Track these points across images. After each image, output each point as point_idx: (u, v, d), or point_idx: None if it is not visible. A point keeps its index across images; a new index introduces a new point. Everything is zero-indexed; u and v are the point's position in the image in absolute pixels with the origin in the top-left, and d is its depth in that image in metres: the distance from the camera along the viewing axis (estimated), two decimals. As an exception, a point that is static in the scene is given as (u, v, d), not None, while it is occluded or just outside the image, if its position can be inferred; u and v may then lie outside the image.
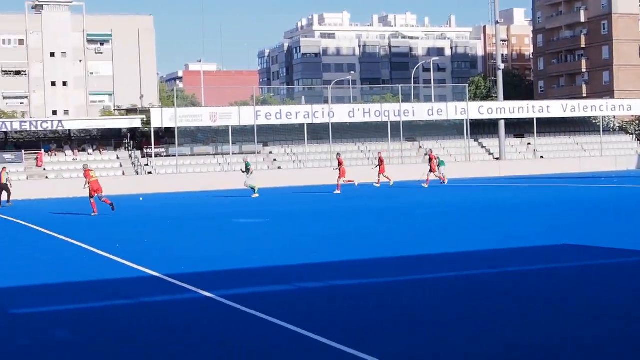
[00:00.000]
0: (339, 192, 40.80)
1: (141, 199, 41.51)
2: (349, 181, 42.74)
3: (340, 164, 42.54)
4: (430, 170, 43.68)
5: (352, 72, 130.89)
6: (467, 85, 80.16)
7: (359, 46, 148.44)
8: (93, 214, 28.77)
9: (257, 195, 38.48)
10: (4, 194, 39.27)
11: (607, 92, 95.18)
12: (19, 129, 57.93)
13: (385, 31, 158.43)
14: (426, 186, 42.51)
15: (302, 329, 9.19)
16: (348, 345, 8.36)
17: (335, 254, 16.30)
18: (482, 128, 68.66)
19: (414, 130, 66.71)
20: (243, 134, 61.67)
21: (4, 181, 39.18)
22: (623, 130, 74.77)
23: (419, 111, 64.06)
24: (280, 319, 9.79)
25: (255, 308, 10.50)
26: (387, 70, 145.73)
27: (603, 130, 68.94)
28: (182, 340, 9.02)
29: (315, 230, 21.86)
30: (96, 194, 28.75)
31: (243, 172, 39.69)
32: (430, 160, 44.17)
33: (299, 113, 60.84)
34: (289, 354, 8.36)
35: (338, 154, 45.53)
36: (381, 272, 13.61)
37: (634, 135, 73.52)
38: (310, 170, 57.70)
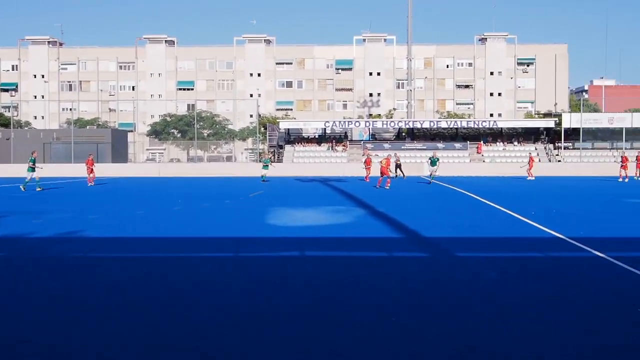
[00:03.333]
0: None
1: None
2: None
3: None
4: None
5: None
6: None
7: None
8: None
9: (265, 181, 37.30)
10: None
11: None
12: (465, 126, 59.00)
13: None
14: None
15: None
16: None
17: None
18: None
19: None
20: (634, 133, 56.76)
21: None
22: None
23: None
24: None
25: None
26: None
27: None
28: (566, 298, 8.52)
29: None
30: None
31: (264, 164, 38.46)
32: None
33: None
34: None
35: None
36: None
37: None
38: None
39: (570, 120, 55.46)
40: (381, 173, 29.54)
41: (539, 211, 18.81)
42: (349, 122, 59.62)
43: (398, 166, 43.65)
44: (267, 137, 61.07)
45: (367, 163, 38.81)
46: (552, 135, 59.52)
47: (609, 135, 58.65)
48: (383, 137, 62.12)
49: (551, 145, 58.07)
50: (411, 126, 59.39)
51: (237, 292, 8.26)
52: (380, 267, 10.02)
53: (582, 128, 55.50)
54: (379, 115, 78.75)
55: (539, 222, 15.62)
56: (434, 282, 8.90)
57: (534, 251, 11.68)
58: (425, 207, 20.43)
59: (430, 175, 35.91)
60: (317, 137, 62.93)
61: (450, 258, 10.97)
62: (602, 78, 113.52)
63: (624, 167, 39.13)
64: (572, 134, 58.05)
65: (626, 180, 38.47)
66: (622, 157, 40.16)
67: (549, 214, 18.09)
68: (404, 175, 43.47)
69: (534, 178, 41.19)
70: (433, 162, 35.41)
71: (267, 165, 39.04)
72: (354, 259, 10.75)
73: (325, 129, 62.16)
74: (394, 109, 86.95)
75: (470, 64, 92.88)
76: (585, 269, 9.95)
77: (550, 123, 57.59)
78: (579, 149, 55.94)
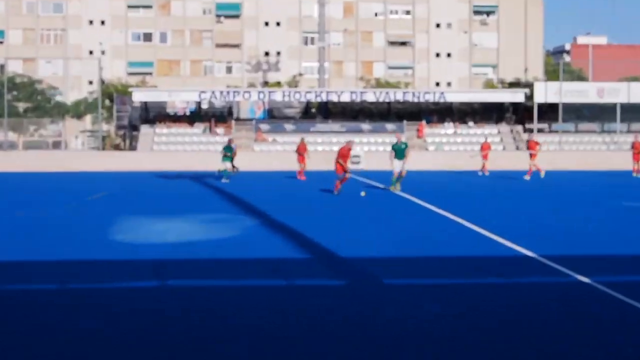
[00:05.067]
0: None
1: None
2: None
3: None
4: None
5: None
6: None
7: None
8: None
9: (227, 180, 36.12)
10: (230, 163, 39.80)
11: None
12: (401, 100, 59.87)
13: None
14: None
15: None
16: None
17: None
18: None
19: None
20: (632, 111, 59.11)
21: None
22: None
23: None
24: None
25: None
26: None
27: None
28: (547, 325, 8.76)
29: None
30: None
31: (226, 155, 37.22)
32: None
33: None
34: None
35: None
36: None
37: None
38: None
39: (545, 92, 57.23)
40: (340, 166, 27.59)
41: (501, 220, 19.23)
42: (235, 92, 59.50)
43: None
44: (115, 114, 60.08)
45: (301, 151, 38.36)
46: (521, 113, 61.21)
47: (598, 114, 60.90)
48: (284, 115, 62.33)
49: (520, 127, 59.71)
50: (324, 99, 59.87)
51: (50, 348, 8.03)
52: (273, 301, 9.98)
53: (562, 103, 57.36)
54: (279, 83, 78.92)
55: (502, 236, 15.97)
56: (351, 322, 8.92)
57: (493, 276, 11.90)
58: (343, 215, 20.56)
59: (398, 177, 29.06)
60: (188, 114, 62.35)
61: (377, 287, 11.03)
62: (589, 34, 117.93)
63: (636, 156, 40.50)
64: (549, 112, 59.83)
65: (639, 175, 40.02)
66: (634, 142, 41.35)
67: (517, 224, 18.52)
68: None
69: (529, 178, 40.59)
70: (399, 151, 29.26)
71: (231, 156, 37.13)
72: (234, 291, 10.69)
73: (200, 102, 61.72)
74: (300, 75, 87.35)
75: (407, 12, 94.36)
76: (564, 300, 10.20)
77: (518, 96, 59.22)
78: (557, 132, 57.82)
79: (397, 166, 29.05)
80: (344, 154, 27.24)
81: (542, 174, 37.27)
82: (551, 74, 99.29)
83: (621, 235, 16.52)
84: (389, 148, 31.76)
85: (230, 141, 37.77)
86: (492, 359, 7.54)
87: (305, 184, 34.53)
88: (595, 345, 8.02)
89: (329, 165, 43.00)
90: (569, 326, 8.77)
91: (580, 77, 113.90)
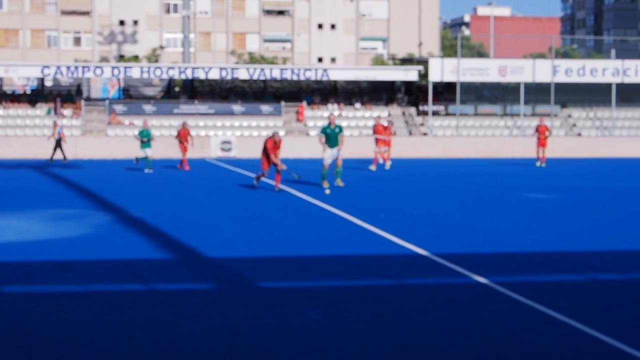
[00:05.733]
0: None
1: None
2: None
3: None
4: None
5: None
6: None
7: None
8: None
9: (150, 170, 35.74)
10: (59, 150, 43.53)
11: None
12: (279, 78, 59.85)
13: None
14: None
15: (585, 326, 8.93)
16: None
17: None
18: None
19: None
20: (537, 92, 60.62)
21: (56, 137, 43.19)
22: None
23: None
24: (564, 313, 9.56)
25: (539, 300, 10.31)
26: None
27: None
28: (445, 326, 8.99)
29: (619, 211, 21.16)
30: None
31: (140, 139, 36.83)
32: None
33: (607, 70, 59.02)
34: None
35: None
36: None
37: None
38: (617, 140, 56.07)
39: (441, 70, 58.01)
40: (266, 159, 25.87)
41: (391, 214, 19.56)
42: (84, 68, 58.64)
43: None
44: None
45: (183, 137, 37.72)
46: (414, 94, 62.02)
47: (500, 95, 62.27)
48: (143, 95, 61.76)
49: (413, 110, 60.46)
50: (190, 76, 59.47)
51: None
52: (128, 308, 9.97)
53: (461, 83, 58.33)
54: (136, 57, 78.08)
55: (390, 231, 16.26)
56: (220, 331, 9.00)
57: (380, 277, 12.13)
58: (217, 211, 20.59)
59: (333, 169, 27.58)
60: (29, 92, 61.11)
61: (251, 291, 11.13)
62: (491, 4, 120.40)
63: (541, 142, 40.85)
64: (445, 92, 60.82)
65: (543, 164, 40.52)
66: (538, 127, 41.84)
67: (407, 219, 18.87)
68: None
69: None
70: (333, 137, 27.07)
71: (149, 142, 35.79)
72: (82, 297, 10.66)
73: (43, 79, 60.55)
74: (162, 48, 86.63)
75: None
76: (461, 302, 10.49)
77: (411, 74, 59.92)
78: (454, 114, 58.80)
79: (329, 155, 26.93)
80: (271, 147, 25.57)
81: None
82: (448, 49, 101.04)
83: (519, 232, 17.03)
84: (264, 133, 31.58)
85: (145, 124, 37.10)
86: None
87: (180, 175, 34.23)
88: (487, 346, 8.29)
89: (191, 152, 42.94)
90: (461, 326, 9.03)
91: (481, 53, 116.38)
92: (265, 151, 25.72)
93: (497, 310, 10.06)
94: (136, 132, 39.48)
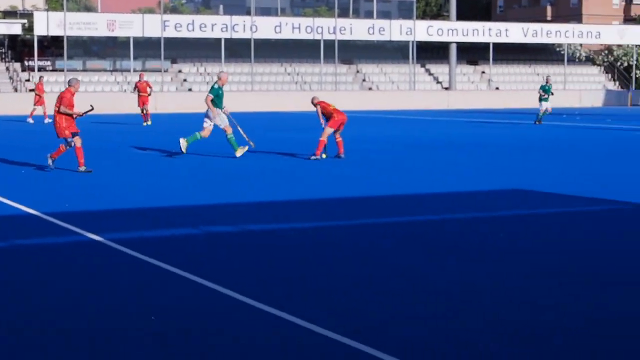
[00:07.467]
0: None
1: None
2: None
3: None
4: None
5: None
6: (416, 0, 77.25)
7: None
8: None
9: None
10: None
11: (574, 16, 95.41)
12: None
13: None
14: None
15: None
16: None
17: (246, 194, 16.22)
18: (431, 52, 68.88)
19: (351, 52, 66.49)
20: (147, 47, 60.88)
21: None
22: (590, 60, 75.67)
23: (358, 29, 63.83)
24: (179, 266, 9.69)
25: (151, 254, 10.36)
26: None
27: (568, 60, 69.69)
28: (57, 287, 8.84)
29: (213, 167, 21.71)
30: None
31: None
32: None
33: (215, 25, 60.27)
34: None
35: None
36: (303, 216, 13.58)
37: (602, 67, 74.45)
38: (226, 94, 57.45)
39: (47, 24, 56.66)
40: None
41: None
42: None
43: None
44: None
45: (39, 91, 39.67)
46: (19, 49, 60.42)
47: (111, 49, 61.96)
48: None
49: (18, 65, 58.88)
50: None
51: None
52: None
53: (68, 37, 57.29)
54: None
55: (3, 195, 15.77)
56: None
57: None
58: None
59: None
60: None
61: None
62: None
63: (142, 100, 39.68)
64: (52, 47, 59.75)
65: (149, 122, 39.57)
66: (136, 83, 40.96)
67: (15, 177, 18.41)
68: None
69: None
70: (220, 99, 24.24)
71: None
72: None
73: None
74: None
75: None
76: (76, 261, 10.35)
77: (15, 27, 58.28)
78: (62, 70, 57.73)
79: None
80: (68, 100, 19.57)
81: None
82: (54, 2, 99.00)
83: (135, 187, 17.08)
84: None
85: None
86: None
87: None
88: (108, 303, 8.24)
89: None
90: (79, 286, 8.91)
91: (88, 8, 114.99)
92: (63, 107, 19.54)
93: (113, 268, 9.99)
94: None
